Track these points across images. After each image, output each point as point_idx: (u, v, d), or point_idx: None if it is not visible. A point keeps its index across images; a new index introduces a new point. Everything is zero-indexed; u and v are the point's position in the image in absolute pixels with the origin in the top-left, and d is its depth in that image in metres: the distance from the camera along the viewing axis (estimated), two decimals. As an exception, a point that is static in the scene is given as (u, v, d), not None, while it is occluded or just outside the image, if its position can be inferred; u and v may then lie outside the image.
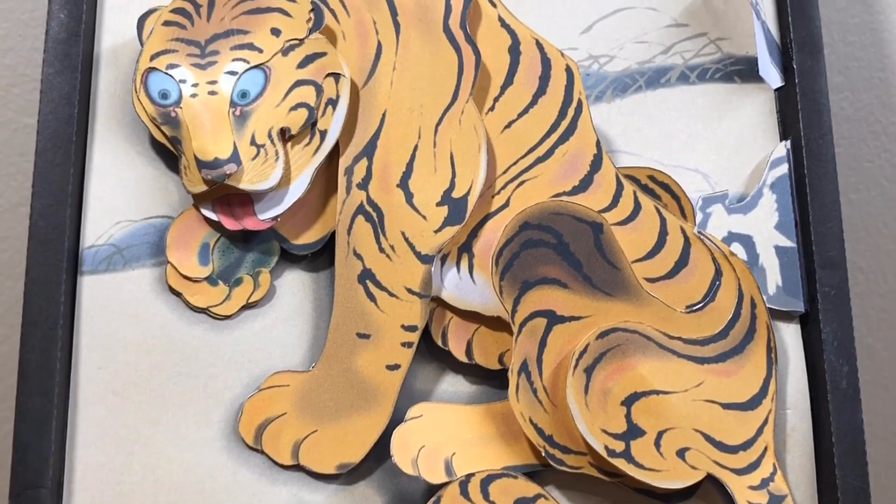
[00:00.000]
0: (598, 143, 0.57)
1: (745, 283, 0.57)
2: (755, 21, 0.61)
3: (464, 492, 0.54)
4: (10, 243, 0.68)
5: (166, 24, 0.55)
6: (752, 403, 0.55)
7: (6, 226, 0.68)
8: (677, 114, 0.62)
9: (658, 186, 0.59)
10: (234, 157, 0.52)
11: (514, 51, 0.58)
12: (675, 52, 0.63)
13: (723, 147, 0.62)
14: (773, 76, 0.62)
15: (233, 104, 0.53)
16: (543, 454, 0.54)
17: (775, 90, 0.62)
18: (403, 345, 0.55)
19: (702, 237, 0.57)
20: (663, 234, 0.57)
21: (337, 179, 0.56)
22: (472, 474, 0.55)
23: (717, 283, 0.56)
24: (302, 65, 0.55)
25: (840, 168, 0.67)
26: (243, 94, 0.53)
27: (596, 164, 0.57)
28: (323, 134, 0.55)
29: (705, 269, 0.57)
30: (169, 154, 0.56)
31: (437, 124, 0.56)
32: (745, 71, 0.63)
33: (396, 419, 0.55)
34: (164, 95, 0.53)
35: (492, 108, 0.57)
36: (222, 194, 0.55)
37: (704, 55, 0.63)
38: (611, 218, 0.56)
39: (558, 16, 0.62)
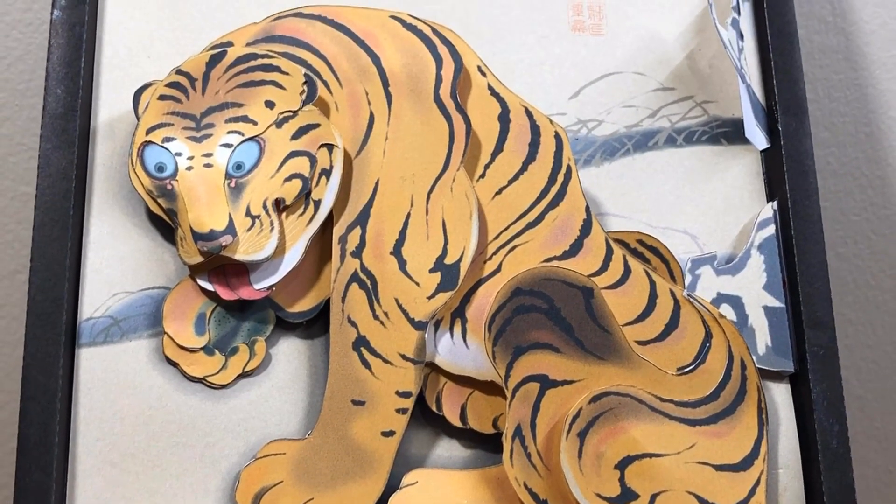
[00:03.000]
0: (587, 209, 0.58)
1: (734, 345, 0.57)
2: (741, 84, 0.62)
3: (460, 558, 0.55)
4: (7, 310, 0.68)
5: (162, 98, 0.56)
6: (745, 464, 0.56)
7: (4, 293, 0.68)
8: (665, 176, 0.63)
9: (647, 250, 0.60)
10: (230, 229, 0.53)
11: (504, 118, 0.59)
12: (663, 115, 0.64)
13: (710, 208, 0.63)
14: (758, 138, 0.63)
15: (228, 176, 0.54)
16: (538, 519, 0.55)
17: (761, 152, 0.63)
18: (398, 411, 0.55)
19: (691, 300, 0.58)
20: (653, 297, 0.57)
21: (331, 248, 0.57)
22: (467, 540, 0.55)
23: (708, 345, 0.57)
24: (296, 136, 0.55)
25: (827, 222, 0.68)
26: (238, 166, 0.54)
27: (585, 228, 0.58)
28: (317, 203, 0.56)
29: (695, 332, 0.57)
30: (165, 225, 0.57)
31: (429, 192, 0.57)
32: (731, 133, 0.64)
33: (392, 486, 0.55)
34: (161, 168, 0.54)
35: (482, 175, 0.58)
36: (218, 265, 0.55)
37: (691, 118, 0.64)
38: (601, 282, 0.57)
39: (546, 83, 0.64)
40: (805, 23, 0.76)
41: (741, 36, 0.64)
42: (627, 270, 0.58)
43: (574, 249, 0.58)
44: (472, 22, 0.64)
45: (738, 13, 0.64)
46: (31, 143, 0.68)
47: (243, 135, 0.55)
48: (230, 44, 0.58)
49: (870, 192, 0.77)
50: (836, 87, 0.77)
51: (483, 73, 0.59)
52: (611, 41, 0.65)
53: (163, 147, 0.54)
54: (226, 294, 0.55)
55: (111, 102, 0.59)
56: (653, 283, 0.58)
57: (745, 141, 0.63)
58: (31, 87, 0.68)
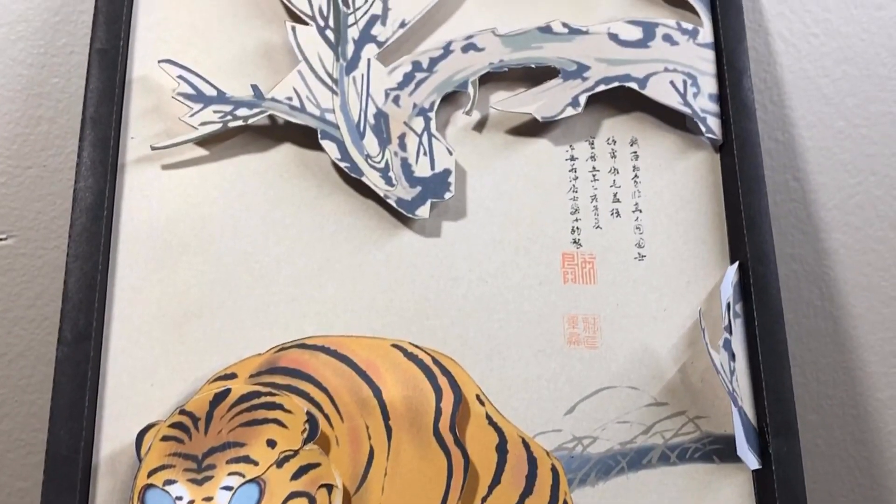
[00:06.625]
0: (583, 545, 0.59)
1: None
2: (732, 407, 0.64)
3: None
4: None
5: (164, 438, 0.56)
6: None
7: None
8: (659, 496, 0.64)
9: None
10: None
11: (502, 449, 0.60)
12: (656, 431, 0.65)
13: (703, 532, 0.63)
14: (750, 459, 0.64)
15: (228, 520, 0.54)
16: None
17: (753, 471, 0.64)
18: None
19: None
20: None
21: (328, 586, 0.57)
22: None
23: None
24: (296, 476, 0.56)
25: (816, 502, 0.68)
26: (238, 509, 0.55)
27: (581, 566, 0.58)
28: (314, 546, 0.56)
29: None
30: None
31: (427, 529, 0.57)
32: (723, 450, 0.65)
33: None
34: (161, 512, 0.55)
35: (480, 508, 0.59)
36: None
37: (684, 434, 0.65)
38: None
39: (543, 398, 0.65)
40: (794, 307, 0.78)
41: (733, 356, 0.65)
42: None
43: (569, 588, 0.58)
44: (470, 337, 0.65)
45: (730, 332, 0.66)
46: (30, 439, 0.69)
47: (244, 476, 0.55)
48: (234, 375, 0.59)
49: (857, 473, 0.78)
50: (823, 370, 0.78)
51: (482, 402, 0.61)
52: (605, 354, 0.66)
53: (164, 490, 0.55)
54: None
55: (113, 436, 0.59)
56: None
57: (737, 459, 0.64)
58: (32, 383, 0.69)
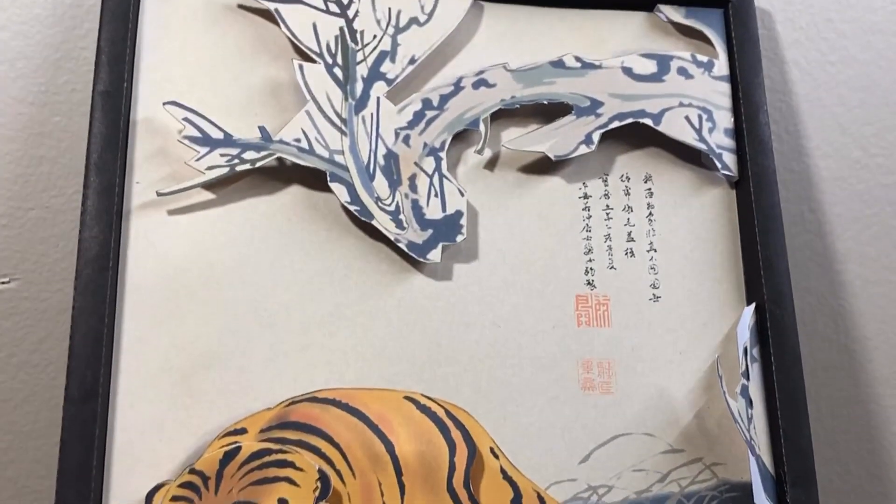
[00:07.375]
0: None
1: None
2: (750, 456, 0.63)
3: None
4: None
5: (174, 499, 0.55)
6: None
7: None
8: (675, 547, 0.63)
9: None
10: None
11: (517, 504, 0.59)
12: (672, 479, 0.64)
13: (721, 582, 0.62)
14: (767, 509, 0.63)
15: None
16: None
17: (770, 520, 0.64)
18: None
19: None
20: None
21: None
22: None
23: None
24: (307, 536, 0.55)
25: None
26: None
27: None
28: None
29: None
30: None
31: (441, 587, 0.56)
32: (740, 498, 0.64)
33: None
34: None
35: (494, 564, 0.58)
36: None
37: (700, 482, 0.64)
38: None
39: (557, 447, 0.64)
40: (809, 341, 0.77)
41: (750, 403, 0.64)
42: None
43: None
44: (483, 384, 0.63)
45: (748, 378, 0.64)
46: (35, 486, 0.67)
47: (256, 537, 0.54)
48: (244, 430, 0.58)
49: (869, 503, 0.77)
50: (838, 404, 0.77)
51: (496, 456, 0.60)
52: (620, 400, 0.65)
53: (173, 555, 0.54)
54: None
55: (122, 495, 0.57)
56: None
57: (755, 508, 0.63)
58: (37, 429, 0.67)
